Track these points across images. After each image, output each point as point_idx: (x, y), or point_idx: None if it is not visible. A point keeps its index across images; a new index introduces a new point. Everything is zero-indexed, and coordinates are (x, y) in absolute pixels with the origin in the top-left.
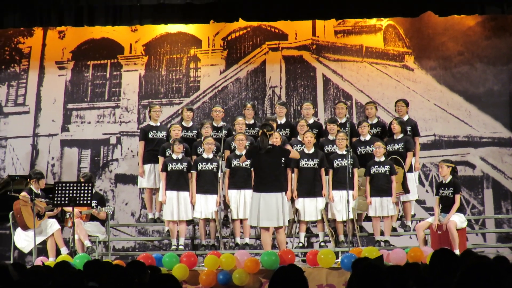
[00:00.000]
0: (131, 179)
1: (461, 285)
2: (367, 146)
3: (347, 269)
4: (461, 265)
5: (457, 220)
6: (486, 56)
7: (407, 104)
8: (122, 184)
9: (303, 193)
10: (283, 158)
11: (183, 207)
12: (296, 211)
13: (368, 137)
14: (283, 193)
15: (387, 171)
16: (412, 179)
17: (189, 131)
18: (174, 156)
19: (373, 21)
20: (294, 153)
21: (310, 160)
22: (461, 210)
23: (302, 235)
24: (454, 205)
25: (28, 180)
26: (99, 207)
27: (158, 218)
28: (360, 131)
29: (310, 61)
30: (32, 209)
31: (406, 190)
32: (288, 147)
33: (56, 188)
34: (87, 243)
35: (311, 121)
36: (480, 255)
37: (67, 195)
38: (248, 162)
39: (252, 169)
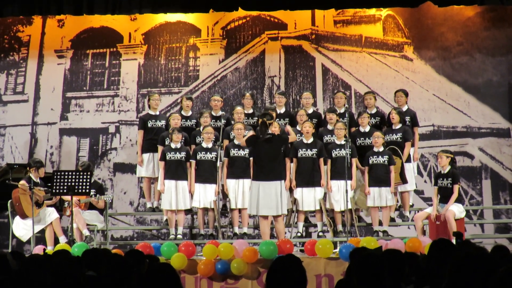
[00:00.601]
0: (129, 168)
1: (454, 274)
2: (367, 138)
3: (345, 259)
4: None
5: (455, 210)
6: (485, 46)
7: (406, 94)
8: (120, 173)
9: (301, 183)
10: (282, 147)
11: (182, 196)
12: (295, 201)
13: (367, 128)
14: (282, 181)
15: (386, 161)
16: (411, 169)
17: (188, 120)
18: (173, 145)
19: (372, 11)
20: (293, 137)
21: (309, 150)
22: (459, 200)
23: (301, 225)
24: (452, 195)
25: (28, 168)
26: (98, 195)
27: (156, 207)
28: (360, 122)
29: (309, 51)
30: (31, 198)
31: (404, 180)
32: (288, 128)
33: (55, 176)
34: (86, 232)
35: (310, 110)
36: (477, 246)
37: (65, 183)
38: (247, 151)
39: (250, 158)
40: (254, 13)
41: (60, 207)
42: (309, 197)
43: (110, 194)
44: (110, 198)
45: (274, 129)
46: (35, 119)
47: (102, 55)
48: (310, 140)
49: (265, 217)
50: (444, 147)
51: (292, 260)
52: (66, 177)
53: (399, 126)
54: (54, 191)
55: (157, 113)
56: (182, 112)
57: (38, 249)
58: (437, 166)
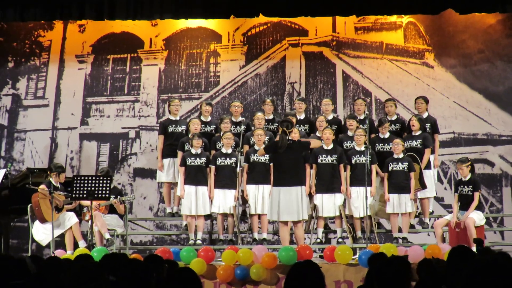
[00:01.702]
0: (149, 173)
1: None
2: (386, 144)
3: (365, 266)
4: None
5: (475, 217)
6: (506, 54)
7: (426, 101)
8: (140, 178)
9: (321, 189)
10: (303, 153)
11: (201, 201)
12: (314, 207)
13: (387, 135)
14: (303, 187)
15: (406, 168)
16: (431, 176)
17: (207, 126)
18: (193, 151)
19: (393, 18)
20: (314, 143)
21: (329, 156)
22: (479, 207)
23: (320, 231)
24: (473, 202)
25: (48, 172)
26: (119, 197)
27: (176, 213)
28: (381, 131)
29: (330, 57)
30: (50, 202)
31: (423, 185)
32: (312, 140)
33: (75, 181)
34: (107, 235)
35: (330, 117)
36: (498, 252)
37: (85, 188)
38: (267, 157)
39: (270, 164)
40: (275, 19)
41: (79, 212)
42: (328, 203)
43: (131, 195)
44: (132, 198)
45: (294, 135)
46: (55, 123)
47: (122, 60)
48: (330, 146)
49: (285, 223)
50: (465, 154)
51: (311, 266)
52: (86, 182)
53: (419, 132)
54: (73, 195)
55: (178, 118)
56: (202, 118)
57: (59, 253)
58: (458, 173)
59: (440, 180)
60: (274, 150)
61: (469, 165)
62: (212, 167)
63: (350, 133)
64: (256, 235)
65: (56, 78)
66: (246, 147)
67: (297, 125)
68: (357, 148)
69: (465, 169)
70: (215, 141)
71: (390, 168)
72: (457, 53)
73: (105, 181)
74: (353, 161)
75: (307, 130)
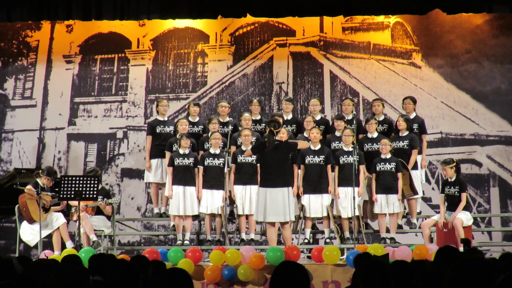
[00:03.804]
0: (137, 174)
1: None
2: (374, 143)
3: (352, 266)
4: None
5: (463, 217)
6: (493, 54)
7: (414, 101)
8: (128, 179)
9: (309, 190)
10: (290, 153)
11: (189, 202)
12: (302, 208)
13: (375, 135)
14: (290, 188)
15: (393, 168)
16: (418, 176)
17: (195, 126)
18: (181, 151)
19: (381, 18)
20: (302, 144)
21: (316, 156)
22: (467, 208)
23: (308, 231)
24: (460, 203)
25: (39, 172)
26: (105, 199)
27: (164, 213)
28: (368, 128)
29: (318, 57)
30: (37, 203)
31: (414, 192)
32: (298, 141)
33: (62, 181)
34: (93, 237)
35: (318, 117)
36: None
37: (73, 189)
38: (254, 157)
39: (258, 164)
40: (263, 19)
41: (67, 212)
42: (316, 204)
43: (117, 198)
44: (118, 201)
45: (282, 135)
46: (43, 124)
47: (110, 61)
48: (318, 146)
49: (272, 224)
50: (452, 154)
51: (295, 266)
52: (73, 182)
53: (406, 133)
54: (61, 196)
55: (166, 119)
56: (190, 118)
57: (43, 255)
58: (444, 176)
59: (427, 180)
60: (261, 150)
61: (453, 166)
62: (200, 168)
63: (337, 134)
64: (243, 236)
65: (43, 78)
66: (233, 148)
67: (284, 126)
68: (345, 149)
69: (449, 170)
70: (203, 141)
71: (377, 169)
72: (444, 53)
73: (92, 182)
74: (341, 162)
75: (294, 130)
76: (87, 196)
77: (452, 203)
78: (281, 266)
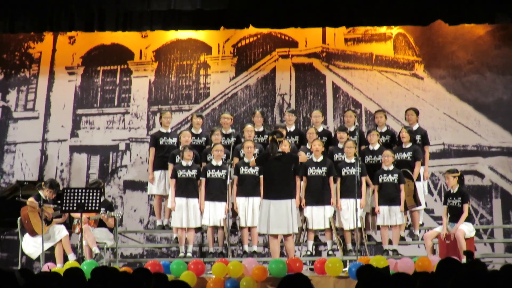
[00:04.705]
0: (139, 186)
1: None
2: (375, 156)
3: (355, 278)
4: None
5: (465, 229)
6: (495, 65)
7: (417, 112)
8: (130, 191)
9: (311, 201)
10: (292, 165)
11: (192, 214)
12: (304, 219)
13: (376, 146)
14: (293, 200)
15: (396, 180)
16: (421, 188)
17: (198, 138)
18: (184, 163)
19: (383, 29)
20: (302, 157)
21: (318, 168)
22: (469, 219)
23: (310, 243)
24: (462, 214)
25: (42, 184)
26: (107, 211)
27: (166, 225)
28: (369, 139)
29: (320, 68)
30: (40, 215)
31: (417, 203)
32: (300, 152)
33: (65, 194)
34: (95, 249)
35: (320, 129)
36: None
37: (75, 201)
38: (257, 169)
39: (260, 176)
40: (265, 30)
41: (69, 225)
42: (318, 216)
43: (120, 211)
44: (120, 214)
45: (284, 147)
46: (45, 136)
47: (112, 72)
48: (320, 158)
49: (275, 236)
50: (454, 165)
51: (301, 279)
52: (76, 194)
53: (409, 145)
54: (63, 208)
55: (169, 130)
56: (192, 130)
57: (46, 267)
58: (447, 185)
59: (430, 192)
60: (265, 160)
61: (456, 176)
62: (203, 180)
63: (340, 145)
64: (246, 248)
65: (46, 90)
66: (236, 160)
67: (287, 137)
68: (347, 160)
69: (451, 179)
70: (206, 153)
71: (380, 180)
72: (446, 64)
73: (95, 194)
74: (343, 173)
75: (297, 142)
76: (90, 208)
77: (455, 215)
78: (287, 278)
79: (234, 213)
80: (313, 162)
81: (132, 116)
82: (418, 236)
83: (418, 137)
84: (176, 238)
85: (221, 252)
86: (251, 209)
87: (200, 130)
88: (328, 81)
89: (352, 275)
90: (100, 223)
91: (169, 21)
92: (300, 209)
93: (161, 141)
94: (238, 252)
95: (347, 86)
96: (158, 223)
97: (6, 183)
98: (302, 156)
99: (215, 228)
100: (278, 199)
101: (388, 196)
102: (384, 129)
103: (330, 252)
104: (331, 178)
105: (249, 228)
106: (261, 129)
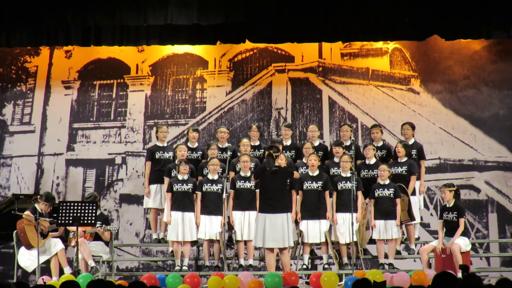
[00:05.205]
0: (135, 199)
1: None
2: (371, 170)
3: None
4: None
5: (461, 243)
6: (492, 80)
7: (413, 127)
8: (126, 204)
9: (307, 215)
10: (288, 179)
11: (188, 227)
12: (300, 233)
13: (373, 161)
14: (289, 213)
15: (392, 194)
16: (416, 202)
17: (194, 152)
18: (180, 177)
19: (379, 44)
20: (295, 174)
21: (314, 182)
22: (465, 233)
23: (306, 257)
24: (458, 229)
25: (38, 198)
26: (103, 225)
27: (162, 239)
28: (365, 154)
29: (316, 83)
30: (36, 228)
31: (412, 217)
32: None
33: (60, 207)
34: (91, 263)
35: (316, 143)
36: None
37: (71, 214)
38: (253, 183)
39: (257, 190)
40: (261, 45)
41: (65, 238)
42: (314, 230)
43: (116, 224)
44: (116, 228)
45: (281, 161)
46: (41, 149)
47: (109, 86)
48: (316, 172)
49: (271, 249)
50: (450, 180)
51: None
52: (71, 208)
53: (404, 159)
54: (59, 221)
55: (165, 144)
56: (188, 144)
57: (41, 280)
58: (443, 199)
59: (426, 206)
60: (262, 174)
61: (452, 190)
62: (199, 193)
63: (336, 160)
64: (242, 261)
65: (42, 104)
66: (232, 174)
67: (284, 151)
68: (343, 174)
69: (447, 193)
70: (202, 167)
71: (376, 194)
72: (442, 79)
73: (90, 207)
74: (339, 187)
75: (293, 156)
76: (86, 222)
77: (451, 229)
78: None
79: (230, 227)
80: (309, 176)
81: (128, 130)
82: (414, 250)
83: (414, 152)
84: (172, 251)
85: (217, 266)
86: (247, 223)
87: (196, 144)
88: (324, 96)
89: None
90: (96, 237)
91: (165, 35)
92: (296, 223)
93: (157, 155)
94: (234, 265)
95: (343, 101)
96: (154, 236)
97: (2, 196)
98: (295, 174)
99: (211, 242)
100: (274, 213)
101: (384, 210)
102: (380, 144)
103: (326, 266)
104: (327, 192)
105: (245, 242)
106: (257, 143)
